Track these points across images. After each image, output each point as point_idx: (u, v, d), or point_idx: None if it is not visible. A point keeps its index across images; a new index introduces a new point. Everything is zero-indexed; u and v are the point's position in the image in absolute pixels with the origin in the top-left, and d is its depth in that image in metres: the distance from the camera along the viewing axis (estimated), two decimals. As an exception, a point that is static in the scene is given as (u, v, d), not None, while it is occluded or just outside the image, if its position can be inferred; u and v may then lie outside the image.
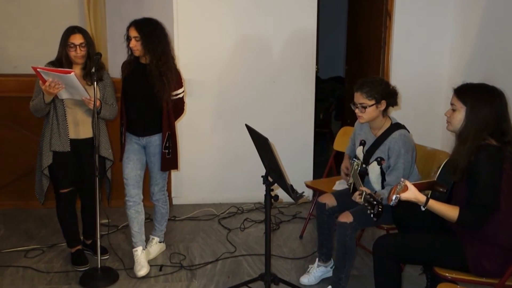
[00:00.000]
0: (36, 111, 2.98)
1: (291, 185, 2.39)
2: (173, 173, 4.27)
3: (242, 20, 4.16)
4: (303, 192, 2.43)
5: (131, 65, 3.08)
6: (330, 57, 6.76)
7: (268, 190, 2.51)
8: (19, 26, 4.34)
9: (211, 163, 4.37)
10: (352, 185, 2.82)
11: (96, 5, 4.20)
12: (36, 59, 3.01)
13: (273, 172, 2.50)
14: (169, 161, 3.14)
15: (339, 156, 3.87)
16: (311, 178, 4.39)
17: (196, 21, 4.12)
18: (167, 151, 3.09)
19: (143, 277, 3.09)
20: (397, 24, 4.12)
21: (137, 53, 3.00)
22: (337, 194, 2.99)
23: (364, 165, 2.82)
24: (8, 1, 4.31)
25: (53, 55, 3.02)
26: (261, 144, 2.51)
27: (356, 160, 2.88)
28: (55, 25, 2.98)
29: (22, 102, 3.05)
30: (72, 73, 2.74)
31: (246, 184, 4.34)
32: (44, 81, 2.80)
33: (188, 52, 4.13)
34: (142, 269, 3.11)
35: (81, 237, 3.36)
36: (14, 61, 4.33)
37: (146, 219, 3.30)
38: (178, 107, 3.17)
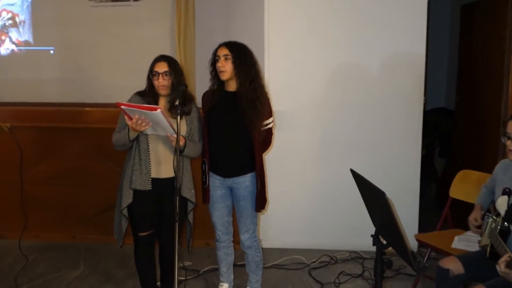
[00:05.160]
0: (118, 145, 2.78)
1: (413, 252, 1.88)
2: (260, 214, 3.90)
3: (339, 48, 3.77)
4: (427, 262, 1.90)
5: (216, 95, 2.77)
6: (432, 85, 6.10)
7: (380, 254, 2.01)
8: (114, 57, 4.42)
9: (301, 204, 3.93)
10: (489, 248, 2.23)
11: (186, 36, 4.22)
12: (129, 89, 2.90)
13: (386, 232, 2.01)
14: (263, 200, 2.85)
15: (456, 204, 3.28)
16: (416, 226, 3.76)
17: (287, 50, 3.81)
18: (260, 189, 2.80)
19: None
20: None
21: (224, 76, 2.68)
22: (464, 258, 2.39)
23: (506, 223, 2.22)
24: (104, 33, 4.41)
25: (144, 85, 2.84)
26: (373, 196, 2.04)
27: (491, 215, 2.29)
28: (148, 56, 2.88)
29: (109, 134, 2.94)
30: (159, 110, 2.48)
31: (340, 229, 3.86)
32: (130, 118, 2.58)
33: (278, 83, 3.80)
34: None
35: (158, 283, 3.07)
36: (109, 90, 4.40)
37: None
38: (267, 139, 2.87)
